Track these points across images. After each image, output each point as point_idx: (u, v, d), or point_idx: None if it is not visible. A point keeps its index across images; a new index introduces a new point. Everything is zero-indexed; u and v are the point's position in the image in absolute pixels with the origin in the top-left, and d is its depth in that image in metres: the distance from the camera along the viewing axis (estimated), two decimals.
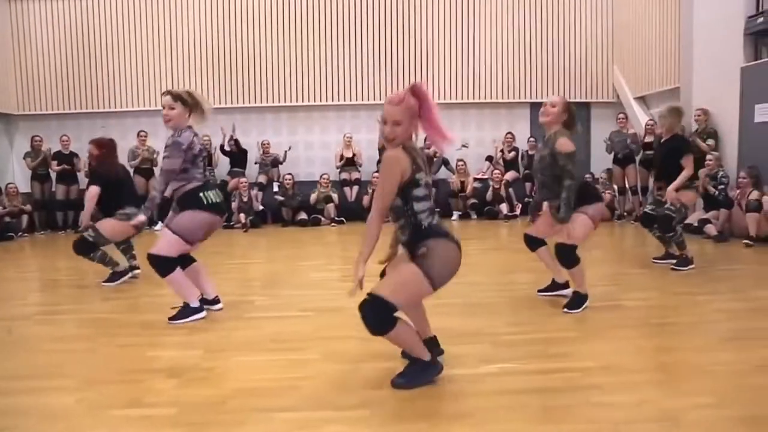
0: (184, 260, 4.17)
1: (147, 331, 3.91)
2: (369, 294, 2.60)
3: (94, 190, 5.35)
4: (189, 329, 3.88)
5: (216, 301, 4.30)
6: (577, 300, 4.12)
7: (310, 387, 2.81)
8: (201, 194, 3.99)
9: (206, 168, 4.18)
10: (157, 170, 10.59)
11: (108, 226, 5.36)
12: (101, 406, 2.64)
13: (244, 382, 2.89)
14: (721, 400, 2.61)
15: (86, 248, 5.36)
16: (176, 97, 4.03)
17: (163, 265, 3.96)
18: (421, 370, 2.79)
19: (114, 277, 5.44)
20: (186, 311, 4.04)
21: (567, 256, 4.08)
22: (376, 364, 2.97)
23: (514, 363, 3.09)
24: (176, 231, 3.97)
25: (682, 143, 5.53)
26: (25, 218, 9.87)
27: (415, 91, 2.69)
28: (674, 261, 5.60)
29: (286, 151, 11.00)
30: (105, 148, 5.56)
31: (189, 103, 4.04)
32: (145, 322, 4.10)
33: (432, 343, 3.00)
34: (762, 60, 7.77)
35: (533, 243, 4.50)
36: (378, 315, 2.59)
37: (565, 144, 4.01)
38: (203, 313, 4.10)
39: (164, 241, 3.97)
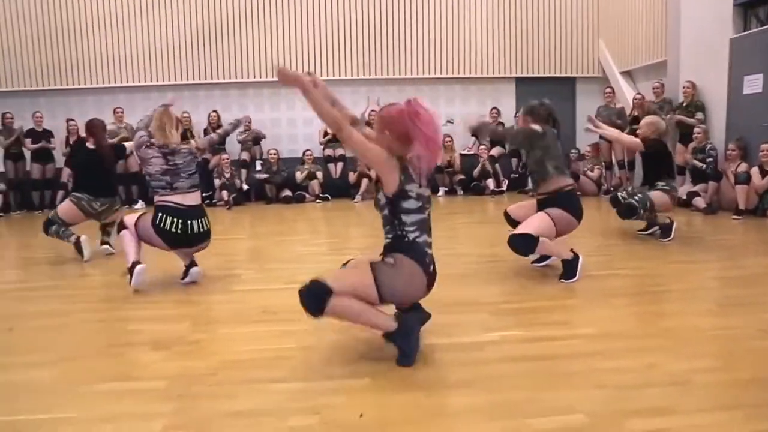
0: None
1: (127, 305, 3.75)
2: (312, 279, 2.47)
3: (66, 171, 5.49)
4: (173, 303, 3.73)
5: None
6: (568, 268, 4.00)
7: (303, 357, 2.69)
8: (160, 215, 3.99)
9: (163, 183, 4.05)
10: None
11: (62, 207, 5.43)
12: (84, 381, 2.49)
13: (234, 354, 2.75)
14: (728, 363, 2.55)
15: (46, 225, 5.39)
16: None
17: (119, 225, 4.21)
18: (404, 337, 2.57)
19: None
20: (130, 271, 4.04)
21: (520, 244, 3.96)
22: (373, 334, 2.84)
23: (515, 331, 3.00)
24: (138, 224, 4.11)
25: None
26: None
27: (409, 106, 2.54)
28: (659, 229, 5.57)
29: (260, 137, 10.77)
30: (87, 131, 5.57)
31: None
32: (125, 297, 3.93)
33: (415, 309, 2.78)
34: (751, 30, 7.70)
35: (513, 221, 4.48)
36: (312, 294, 2.42)
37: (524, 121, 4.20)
38: (136, 269, 3.99)
39: (134, 217, 4.17)
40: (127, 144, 5.80)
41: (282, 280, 4.20)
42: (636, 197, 5.35)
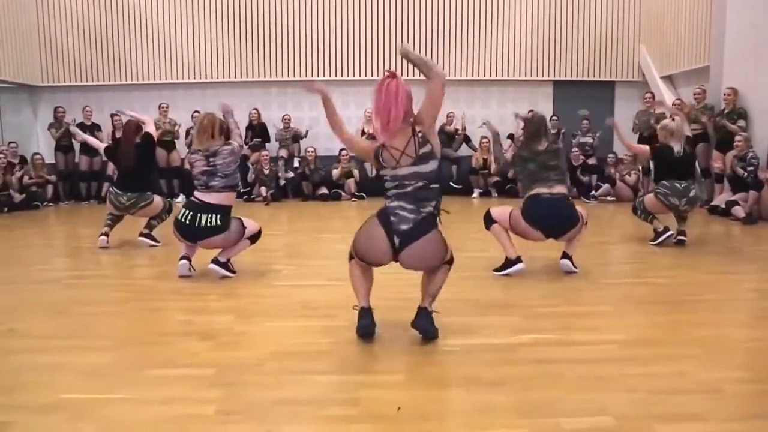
0: None
1: (175, 296, 3.96)
2: None
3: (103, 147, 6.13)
4: (218, 296, 3.90)
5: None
6: (505, 263, 4.35)
7: (344, 352, 2.82)
8: (181, 208, 4.35)
9: (201, 182, 4.32)
10: (178, 143, 10.65)
11: None
12: (138, 366, 2.67)
13: (279, 345, 2.90)
14: (759, 374, 2.59)
15: None
16: None
17: None
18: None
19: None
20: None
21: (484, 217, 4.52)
22: (410, 332, 2.96)
23: (548, 334, 3.08)
24: None
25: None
26: (50, 188, 9.96)
27: None
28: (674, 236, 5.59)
29: (307, 130, 10.95)
30: (122, 132, 6.12)
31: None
32: (173, 289, 4.13)
33: (419, 313, 2.97)
34: None
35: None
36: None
37: None
38: (180, 263, 4.38)
39: None
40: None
41: (322, 277, 4.35)
42: (639, 200, 5.85)
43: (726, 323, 3.32)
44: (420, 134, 2.87)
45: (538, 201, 4.28)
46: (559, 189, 4.33)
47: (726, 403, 2.29)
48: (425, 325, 2.90)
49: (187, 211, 4.26)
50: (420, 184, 2.86)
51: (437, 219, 2.92)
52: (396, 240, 2.82)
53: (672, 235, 5.51)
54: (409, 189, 2.86)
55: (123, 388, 2.44)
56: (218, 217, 4.23)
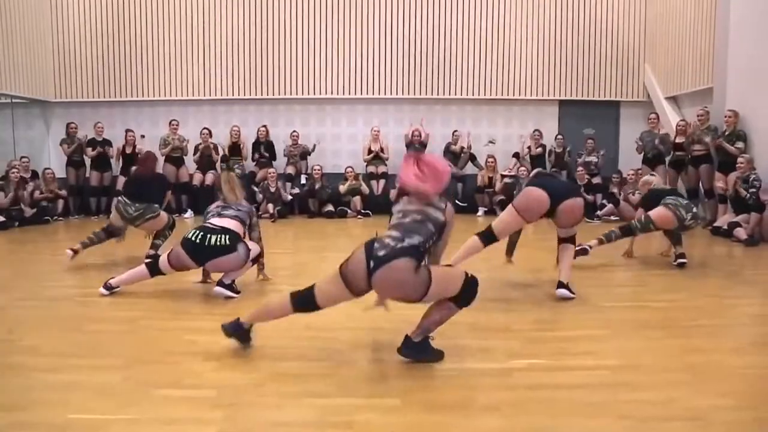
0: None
1: (182, 315, 4.05)
2: None
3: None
4: (222, 316, 3.95)
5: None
6: None
7: (341, 375, 2.90)
8: (190, 230, 4.48)
9: (213, 212, 4.65)
10: (187, 159, 10.81)
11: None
12: (145, 385, 2.76)
13: (280, 367, 2.99)
14: (750, 402, 2.64)
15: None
16: None
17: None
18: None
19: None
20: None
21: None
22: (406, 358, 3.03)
23: (543, 359, 3.14)
24: (170, 255, 4.50)
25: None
26: (60, 203, 10.12)
27: None
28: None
29: (315, 144, 11.10)
30: (141, 163, 6.69)
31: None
32: (180, 308, 4.23)
33: (404, 340, 3.06)
34: None
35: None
36: None
37: None
38: (103, 288, 4.58)
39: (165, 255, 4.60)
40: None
41: None
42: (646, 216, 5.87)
43: (720, 349, 3.37)
44: (442, 198, 3.11)
45: (541, 174, 4.79)
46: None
47: (712, 431, 2.35)
48: (410, 354, 3.00)
49: (198, 231, 4.41)
50: (419, 218, 2.96)
51: (418, 253, 2.88)
52: (371, 264, 2.88)
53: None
54: (407, 220, 2.97)
55: (130, 407, 2.54)
56: (227, 237, 4.38)
